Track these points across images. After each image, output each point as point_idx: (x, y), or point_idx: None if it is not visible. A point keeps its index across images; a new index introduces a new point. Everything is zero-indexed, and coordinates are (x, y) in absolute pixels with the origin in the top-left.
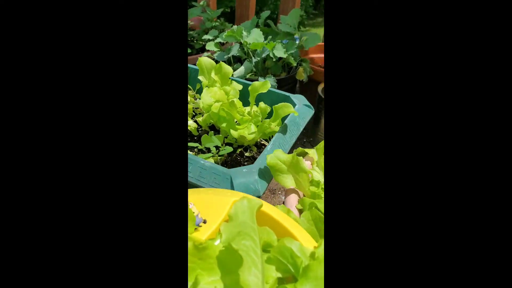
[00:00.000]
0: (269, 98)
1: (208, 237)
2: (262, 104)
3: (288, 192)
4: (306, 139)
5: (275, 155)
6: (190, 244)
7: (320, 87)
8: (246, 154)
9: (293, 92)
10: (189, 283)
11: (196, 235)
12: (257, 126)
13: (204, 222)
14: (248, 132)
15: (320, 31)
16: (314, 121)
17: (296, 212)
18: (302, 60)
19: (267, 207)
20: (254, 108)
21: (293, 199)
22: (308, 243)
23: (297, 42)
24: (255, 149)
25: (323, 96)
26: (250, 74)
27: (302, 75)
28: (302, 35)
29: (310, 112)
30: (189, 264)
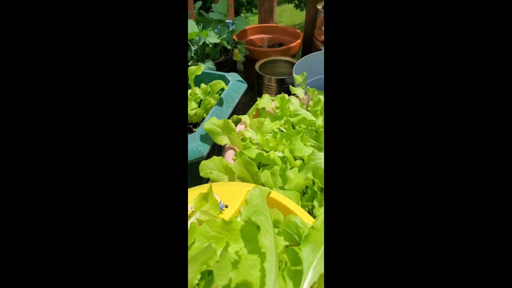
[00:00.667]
0: (209, 79)
1: (231, 217)
2: (203, 85)
3: (226, 149)
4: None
5: (210, 121)
6: (219, 220)
7: (257, 64)
8: (194, 130)
9: (235, 72)
10: (221, 249)
11: (222, 216)
12: (199, 103)
13: (226, 207)
14: (190, 108)
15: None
16: (256, 95)
17: (232, 163)
18: (237, 42)
19: (274, 194)
20: (196, 89)
21: (230, 154)
22: (306, 219)
23: (232, 27)
24: None
25: (260, 72)
26: (192, 61)
27: (238, 56)
28: (234, 20)
29: (243, 86)
30: (218, 235)
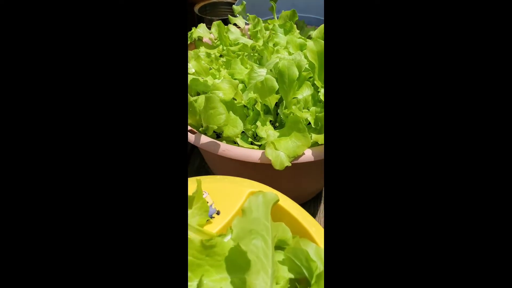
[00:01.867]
0: None
1: (220, 230)
2: None
3: None
4: None
5: None
6: (197, 242)
7: (197, 7)
8: None
9: None
10: (196, 280)
11: (208, 228)
12: None
13: (218, 213)
14: None
15: None
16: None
17: None
18: None
19: (284, 201)
20: None
21: None
22: (319, 236)
23: None
24: None
25: (200, 15)
26: None
27: None
28: None
29: None
30: (196, 261)
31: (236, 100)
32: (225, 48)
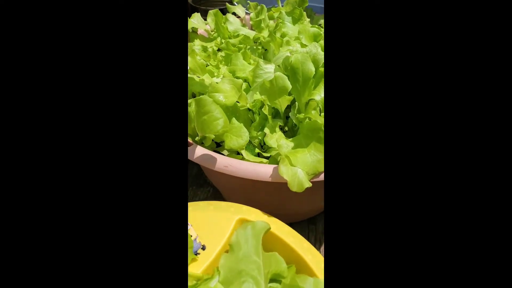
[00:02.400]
0: None
1: (205, 269)
2: None
3: None
4: None
5: None
6: None
7: None
8: None
9: None
10: None
11: (193, 267)
12: None
13: (203, 248)
14: None
15: None
16: None
17: None
18: None
19: (277, 227)
20: None
21: None
22: (318, 267)
23: None
24: None
25: (193, 5)
26: None
27: None
28: None
29: None
30: None
31: (239, 103)
32: (223, 40)
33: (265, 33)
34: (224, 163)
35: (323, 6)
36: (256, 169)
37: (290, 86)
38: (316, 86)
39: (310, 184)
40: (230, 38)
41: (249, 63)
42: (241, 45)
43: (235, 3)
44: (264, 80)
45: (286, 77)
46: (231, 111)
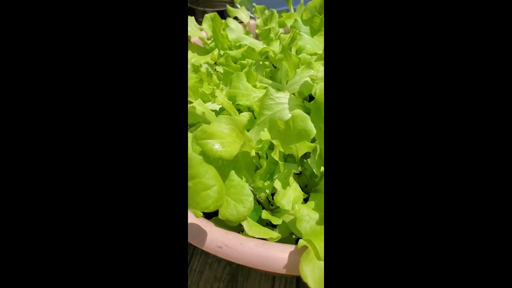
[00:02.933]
0: None
1: None
2: None
3: None
4: None
5: None
6: None
7: None
8: None
9: None
10: None
11: None
12: None
13: None
14: None
15: None
16: None
17: None
18: None
19: None
20: None
21: None
22: None
23: None
24: None
25: (191, 6)
26: None
27: None
28: None
29: None
30: None
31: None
32: (222, 52)
33: (275, 46)
34: (217, 241)
35: None
36: (263, 255)
37: (314, 131)
38: None
39: None
40: (230, 48)
41: (254, 86)
42: (245, 61)
43: (237, 5)
44: (278, 120)
45: (308, 118)
46: (230, 164)
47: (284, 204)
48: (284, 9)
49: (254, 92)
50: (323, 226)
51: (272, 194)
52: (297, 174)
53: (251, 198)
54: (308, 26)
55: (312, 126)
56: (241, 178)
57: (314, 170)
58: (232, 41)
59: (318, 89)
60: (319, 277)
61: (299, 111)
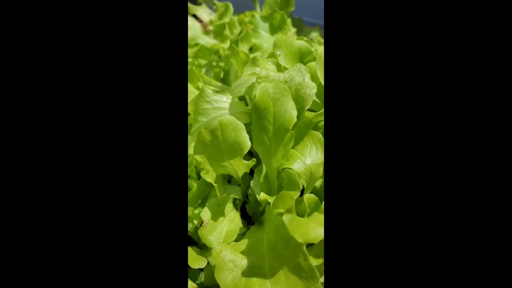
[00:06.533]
0: None
1: None
2: None
3: None
4: None
5: None
6: None
7: None
8: None
9: None
10: None
11: None
12: None
13: None
14: None
15: None
16: None
17: None
18: None
19: None
20: None
21: None
22: None
23: None
24: None
25: None
26: None
27: None
28: None
29: None
30: None
31: None
32: None
33: (227, 45)
34: None
35: (319, 22)
36: None
37: (249, 144)
38: (299, 141)
39: None
40: None
41: (197, 88)
42: (195, 60)
43: (199, 2)
44: (202, 130)
45: (241, 126)
46: None
47: (212, 240)
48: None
49: (194, 94)
50: (249, 280)
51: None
52: (241, 200)
53: None
54: (267, 23)
55: (247, 138)
56: None
57: (256, 196)
58: (189, 39)
59: (260, 91)
60: None
61: (229, 117)
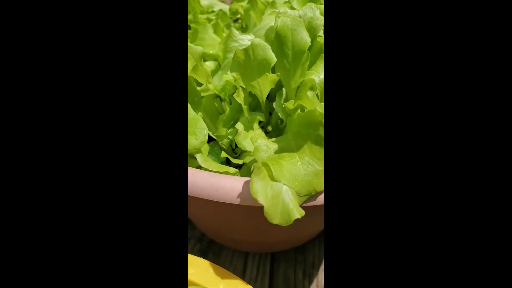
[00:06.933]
0: None
1: None
2: None
3: None
4: None
5: None
6: None
7: None
8: None
9: None
10: None
11: None
12: None
13: None
14: None
15: None
16: None
17: None
18: None
19: None
20: None
21: None
22: None
23: None
24: None
25: None
26: None
27: None
28: None
29: None
30: None
31: (198, 83)
32: (193, 16)
33: (245, 3)
34: None
35: None
36: (215, 184)
37: (275, 59)
38: (312, 64)
39: (302, 213)
40: (202, 13)
41: (222, 38)
42: (214, 18)
43: None
44: (237, 49)
45: (268, 46)
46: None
47: (245, 145)
48: None
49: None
50: (281, 154)
51: (237, 145)
52: (264, 128)
53: (206, 131)
54: None
55: (273, 55)
56: (204, 124)
57: (279, 114)
58: (204, 7)
59: (280, 23)
60: (271, 196)
61: (258, 40)
